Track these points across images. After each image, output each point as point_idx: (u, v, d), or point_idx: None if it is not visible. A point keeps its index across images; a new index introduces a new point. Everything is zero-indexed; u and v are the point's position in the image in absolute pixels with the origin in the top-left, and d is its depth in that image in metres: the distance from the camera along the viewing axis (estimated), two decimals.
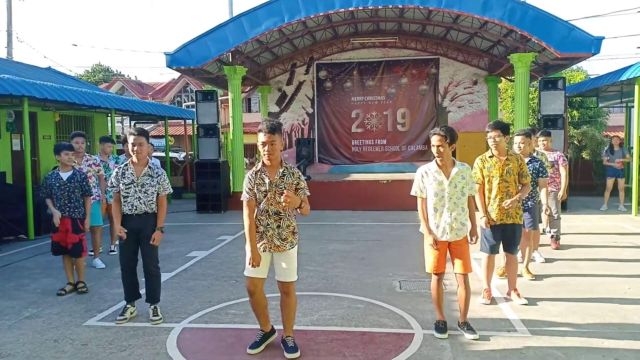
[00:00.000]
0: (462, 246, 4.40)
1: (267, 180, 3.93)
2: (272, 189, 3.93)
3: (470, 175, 4.44)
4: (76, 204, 5.92)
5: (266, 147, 3.89)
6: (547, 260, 6.91)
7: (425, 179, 4.43)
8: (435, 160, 4.40)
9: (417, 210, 4.51)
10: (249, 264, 3.96)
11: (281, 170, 3.96)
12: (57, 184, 5.88)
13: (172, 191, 5.12)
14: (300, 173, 4.03)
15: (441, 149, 4.31)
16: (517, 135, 5.91)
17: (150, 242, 4.86)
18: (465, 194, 4.38)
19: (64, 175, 5.94)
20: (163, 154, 17.16)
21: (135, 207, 4.85)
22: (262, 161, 3.99)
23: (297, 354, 4.01)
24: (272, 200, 3.94)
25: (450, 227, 4.33)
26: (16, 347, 4.33)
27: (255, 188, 3.96)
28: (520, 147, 5.79)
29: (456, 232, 4.35)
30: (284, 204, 3.83)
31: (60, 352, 4.23)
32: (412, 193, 4.53)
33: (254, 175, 3.99)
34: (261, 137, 3.89)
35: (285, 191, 3.85)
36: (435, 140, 4.34)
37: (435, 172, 4.39)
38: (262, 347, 4.16)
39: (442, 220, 4.35)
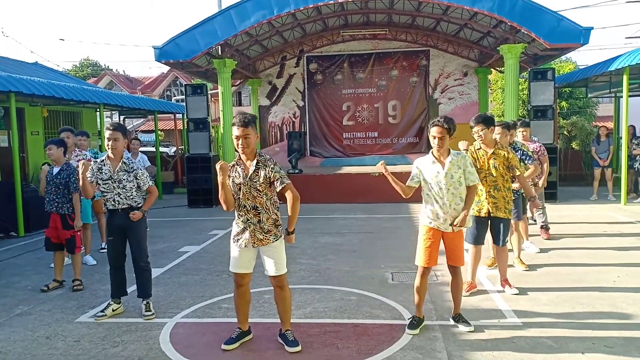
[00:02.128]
0: (456, 239, 4.38)
1: (242, 174, 3.94)
2: (247, 184, 3.93)
3: (468, 164, 4.38)
4: (63, 199, 5.86)
5: (240, 141, 3.88)
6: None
7: (421, 170, 4.39)
8: (432, 152, 4.35)
9: (408, 202, 4.50)
10: (219, 173, 3.92)
11: (254, 163, 3.93)
12: (48, 178, 5.91)
13: (152, 183, 5.05)
14: (275, 163, 3.98)
15: (443, 141, 4.26)
16: (496, 126, 5.89)
17: (130, 216, 4.80)
18: (463, 183, 4.31)
19: (54, 170, 5.95)
20: (153, 149, 17.04)
21: (117, 202, 4.83)
22: (239, 155, 3.98)
23: (299, 348, 4.00)
24: (247, 195, 3.94)
25: (450, 218, 4.28)
26: (8, 345, 4.30)
27: (230, 181, 3.96)
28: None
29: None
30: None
31: (53, 348, 4.21)
32: (408, 181, 4.49)
33: (230, 168, 3.99)
34: (235, 131, 3.88)
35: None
36: (435, 131, 4.27)
37: (431, 164, 4.34)
38: (237, 344, 4.13)
39: (441, 211, 4.29)
